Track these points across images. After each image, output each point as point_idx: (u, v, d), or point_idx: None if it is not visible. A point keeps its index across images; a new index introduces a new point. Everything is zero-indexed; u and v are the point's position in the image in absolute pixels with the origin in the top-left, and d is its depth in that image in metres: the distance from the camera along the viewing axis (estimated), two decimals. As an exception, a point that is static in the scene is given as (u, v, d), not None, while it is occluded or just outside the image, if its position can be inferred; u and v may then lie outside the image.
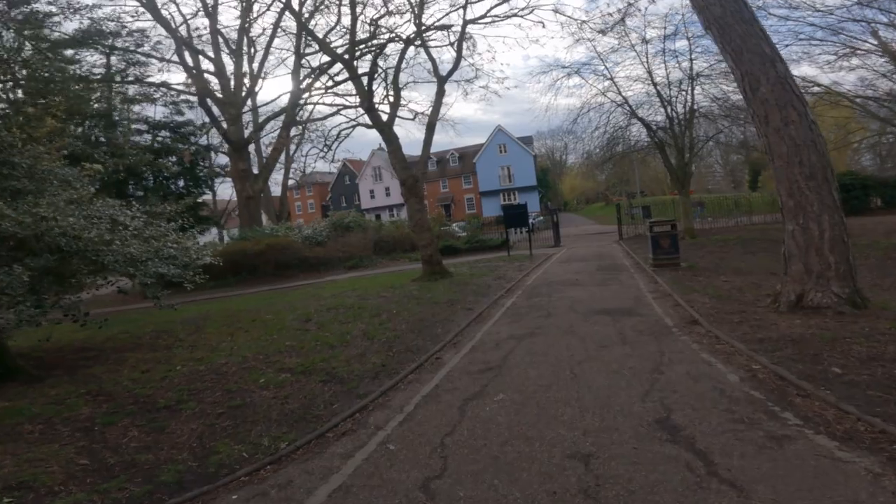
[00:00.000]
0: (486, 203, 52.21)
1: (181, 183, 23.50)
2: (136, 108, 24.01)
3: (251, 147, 35.08)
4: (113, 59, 22.02)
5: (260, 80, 27.67)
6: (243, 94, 26.75)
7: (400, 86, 18.64)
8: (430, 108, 15.86)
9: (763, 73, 6.03)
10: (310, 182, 68.89)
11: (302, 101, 28.72)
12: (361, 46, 16.75)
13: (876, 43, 20.27)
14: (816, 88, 20.56)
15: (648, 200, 35.21)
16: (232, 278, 22.43)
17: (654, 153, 23.33)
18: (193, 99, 24.39)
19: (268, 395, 5.26)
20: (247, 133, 28.22)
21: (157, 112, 46.69)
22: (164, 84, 24.02)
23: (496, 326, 7.48)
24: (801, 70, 19.74)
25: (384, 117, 14.80)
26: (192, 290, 8.93)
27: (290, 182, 55.24)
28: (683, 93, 19.53)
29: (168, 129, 23.47)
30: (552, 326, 6.93)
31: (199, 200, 25.30)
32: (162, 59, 22.76)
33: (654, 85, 19.42)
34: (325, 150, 29.65)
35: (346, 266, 22.69)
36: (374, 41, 16.86)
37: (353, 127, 24.35)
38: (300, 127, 36.92)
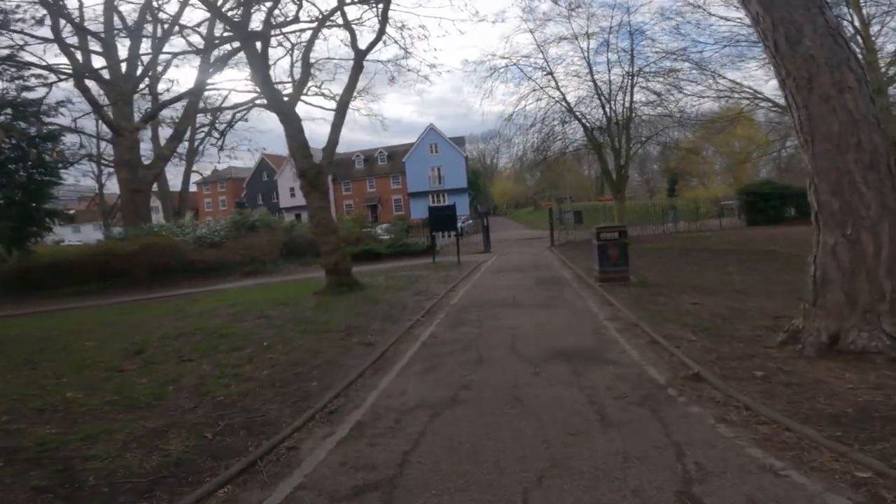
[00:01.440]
0: (414, 204, 49.75)
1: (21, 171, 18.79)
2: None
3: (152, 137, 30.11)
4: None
5: (172, 67, 23.91)
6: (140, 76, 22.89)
7: (312, 62, 15.78)
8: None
9: (808, 19, 4.10)
10: (222, 177, 62.69)
11: (210, 87, 24.77)
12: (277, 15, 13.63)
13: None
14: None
15: (579, 206, 34.62)
16: (97, 284, 18.28)
17: (588, 156, 22.24)
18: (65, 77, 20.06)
19: None
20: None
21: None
22: (10, 58, 19.12)
23: (402, 380, 4.98)
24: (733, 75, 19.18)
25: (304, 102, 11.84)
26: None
27: (199, 176, 49.67)
28: (622, 91, 18.39)
29: (11, 106, 18.66)
30: (486, 385, 4.53)
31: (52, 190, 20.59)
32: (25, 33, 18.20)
33: (594, 81, 18.12)
34: (218, 137, 25.74)
35: (243, 272, 19.16)
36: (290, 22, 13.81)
37: (249, 109, 20.81)
38: (210, 115, 32.54)
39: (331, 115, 12.50)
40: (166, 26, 24.67)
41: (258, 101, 18.05)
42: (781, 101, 21.83)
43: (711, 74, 17.90)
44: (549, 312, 7.46)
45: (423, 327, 7.25)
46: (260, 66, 10.95)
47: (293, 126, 11.23)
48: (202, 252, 19.63)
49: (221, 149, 31.07)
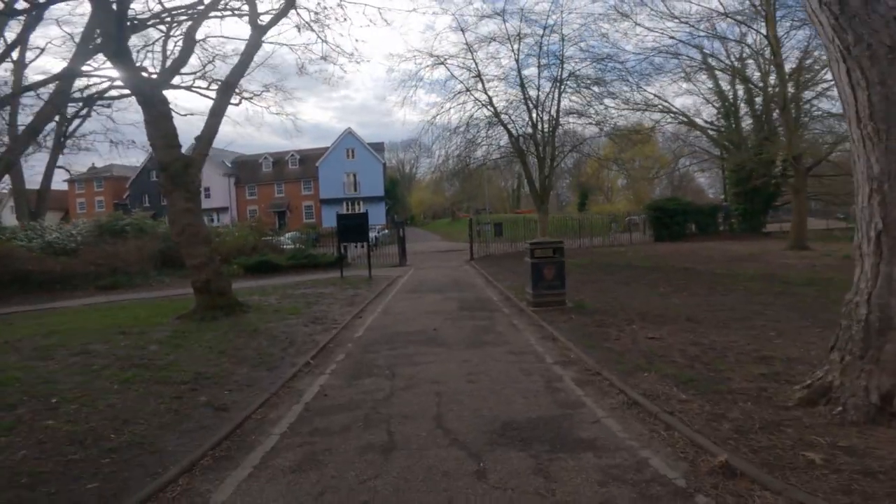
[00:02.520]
0: (327, 212, 46.44)
1: None
2: None
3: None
4: None
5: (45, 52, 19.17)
6: None
7: (197, 39, 13.00)
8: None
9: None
10: (100, 175, 54.64)
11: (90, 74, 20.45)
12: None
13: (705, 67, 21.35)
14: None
15: (500, 217, 34.06)
16: None
17: (505, 169, 21.33)
18: None
19: None
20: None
21: None
22: None
23: (255, 491, 2.91)
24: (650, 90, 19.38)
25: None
26: None
27: (71, 174, 42.47)
28: (550, 98, 17.64)
29: None
30: (398, 510, 2.66)
31: None
32: None
33: (522, 86, 17.16)
34: (63, 126, 21.67)
35: (99, 286, 15.43)
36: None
37: (104, 92, 17.26)
38: (85, 106, 27.45)
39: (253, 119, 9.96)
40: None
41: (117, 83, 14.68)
42: (695, 114, 22.65)
43: (634, 84, 17.81)
44: (482, 354, 5.72)
45: (310, 377, 5.14)
46: (106, 15, 8.17)
47: (155, 109, 8.58)
48: (44, 262, 15.58)
49: (64, 138, 26.34)
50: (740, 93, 25.20)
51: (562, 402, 4.13)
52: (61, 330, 8.26)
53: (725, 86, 25.32)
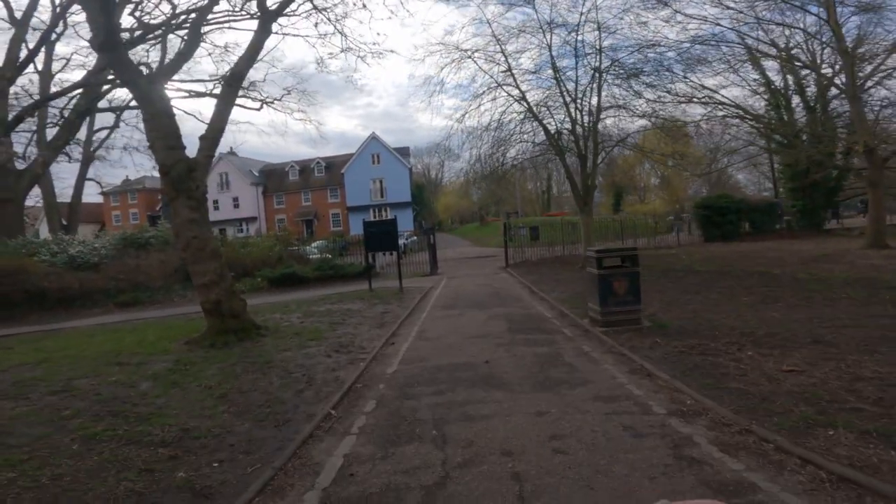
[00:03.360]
0: (354, 220, 45.67)
1: None
2: None
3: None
4: None
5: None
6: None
7: (203, 31, 12.15)
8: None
9: None
10: (133, 187, 55.62)
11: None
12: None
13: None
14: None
15: (533, 220, 32.41)
16: None
17: (546, 165, 19.78)
18: None
19: None
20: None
21: None
22: None
23: None
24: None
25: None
26: None
27: (109, 186, 43.14)
28: (589, 91, 16.04)
29: None
30: None
31: None
32: None
33: (557, 79, 15.60)
34: (68, 131, 21.40)
35: (117, 302, 14.67)
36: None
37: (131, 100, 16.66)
38: (115, 115, 27.55)
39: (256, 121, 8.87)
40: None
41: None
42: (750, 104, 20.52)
43: (677, 75, 16.03)
44: (558, 401, 4.24)
45: (330, 439, 3.78)
46: (102, 19, 7.11)
47: (153, 106, 7.51)
48: (63, 277, 14.92)
49: (93, 150, 26.39)
50: (791, 83, 23.12)
51: (717, 485, 2.65)
52: (55, 357, 7.25)
53: (774, 76, 23.21)
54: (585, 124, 16.37)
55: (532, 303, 10.13)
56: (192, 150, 8.00)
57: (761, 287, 9.82)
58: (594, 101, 16.12)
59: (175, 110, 8.54)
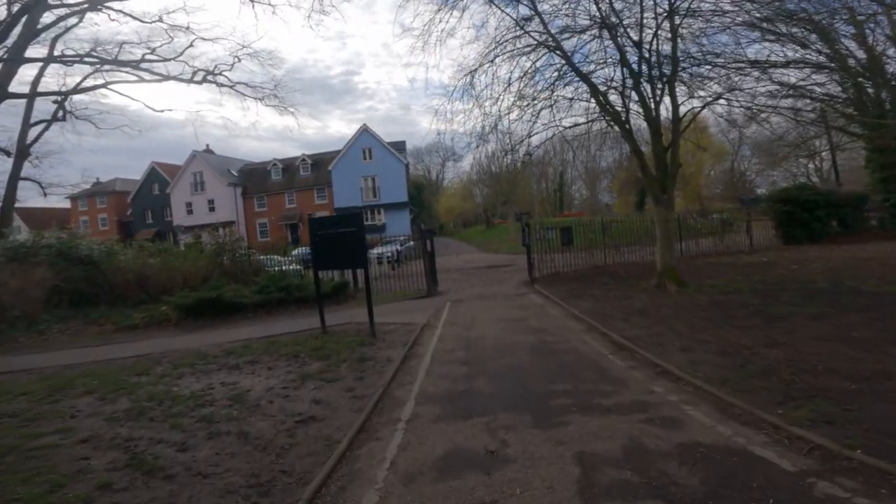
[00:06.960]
0: (343, 223, 40.20)
1: None
2: None
3: None
4: None
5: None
6: None
7: None
8: None
9: None
10: (102, 190, 50.36)
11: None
12: None
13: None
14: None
15: (552, 221, 26.93)
16: None
17: (602, 138, 14.05)
18: None
19: None
20: None
21: None
22: None
23: None
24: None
25: None
26: None
27: (45, 188, 37.79)
28: (655, 38, 10.54)
29: None
30: None
31: None
32: None
33: (602, 20, 10.07)
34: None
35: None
36: None
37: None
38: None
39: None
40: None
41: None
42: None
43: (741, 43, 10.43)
44: None
45: None
46: None
47: None
48: None
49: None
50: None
51: None
52: None
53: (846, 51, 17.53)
54: (655, 77, 10.91)
55: (626, 376, 4.61)
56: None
57: None
58: (666, 48, 10.71)
59: None
